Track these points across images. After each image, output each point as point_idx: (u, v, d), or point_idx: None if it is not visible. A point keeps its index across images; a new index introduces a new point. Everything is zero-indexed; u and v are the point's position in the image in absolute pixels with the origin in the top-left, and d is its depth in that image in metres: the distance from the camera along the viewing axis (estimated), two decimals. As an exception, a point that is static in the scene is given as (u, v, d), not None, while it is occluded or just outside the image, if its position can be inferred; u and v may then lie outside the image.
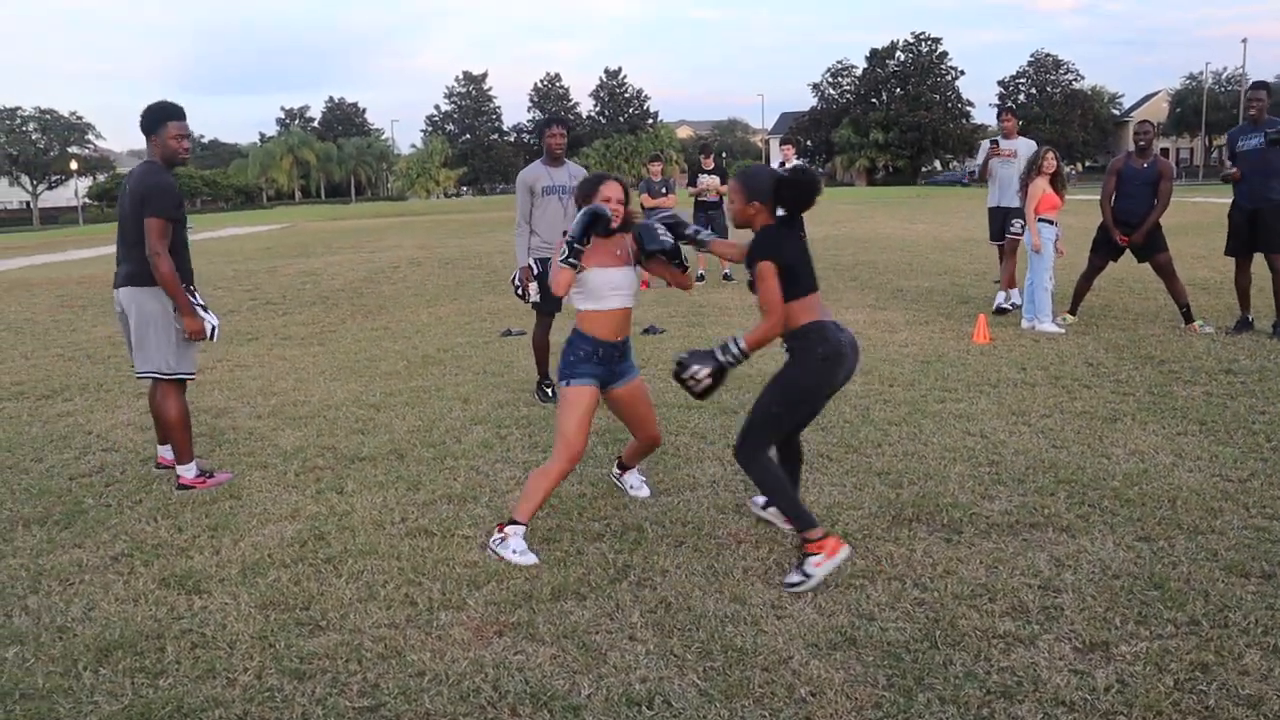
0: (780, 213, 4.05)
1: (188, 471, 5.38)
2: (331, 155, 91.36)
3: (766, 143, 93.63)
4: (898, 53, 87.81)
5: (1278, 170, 8.36)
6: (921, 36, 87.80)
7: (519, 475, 5.37)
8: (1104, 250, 9.42)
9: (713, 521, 4.62)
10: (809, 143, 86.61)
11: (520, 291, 6.96)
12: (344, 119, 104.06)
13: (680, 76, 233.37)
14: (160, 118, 5.12)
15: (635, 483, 5.05)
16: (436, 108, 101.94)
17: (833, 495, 4.91)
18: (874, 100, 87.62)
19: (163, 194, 5.05)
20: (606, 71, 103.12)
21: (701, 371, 3.99)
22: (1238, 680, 3.15)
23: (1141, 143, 9.18)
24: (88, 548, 4.56)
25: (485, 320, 11.13)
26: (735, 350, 3.97)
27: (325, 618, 3.76)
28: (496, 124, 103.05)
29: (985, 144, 11.13)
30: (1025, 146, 10.48)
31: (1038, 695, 3.10)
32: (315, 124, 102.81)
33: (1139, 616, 3.58)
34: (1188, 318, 9.07)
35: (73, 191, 79.34)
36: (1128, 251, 9.30)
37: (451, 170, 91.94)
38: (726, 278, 14.09)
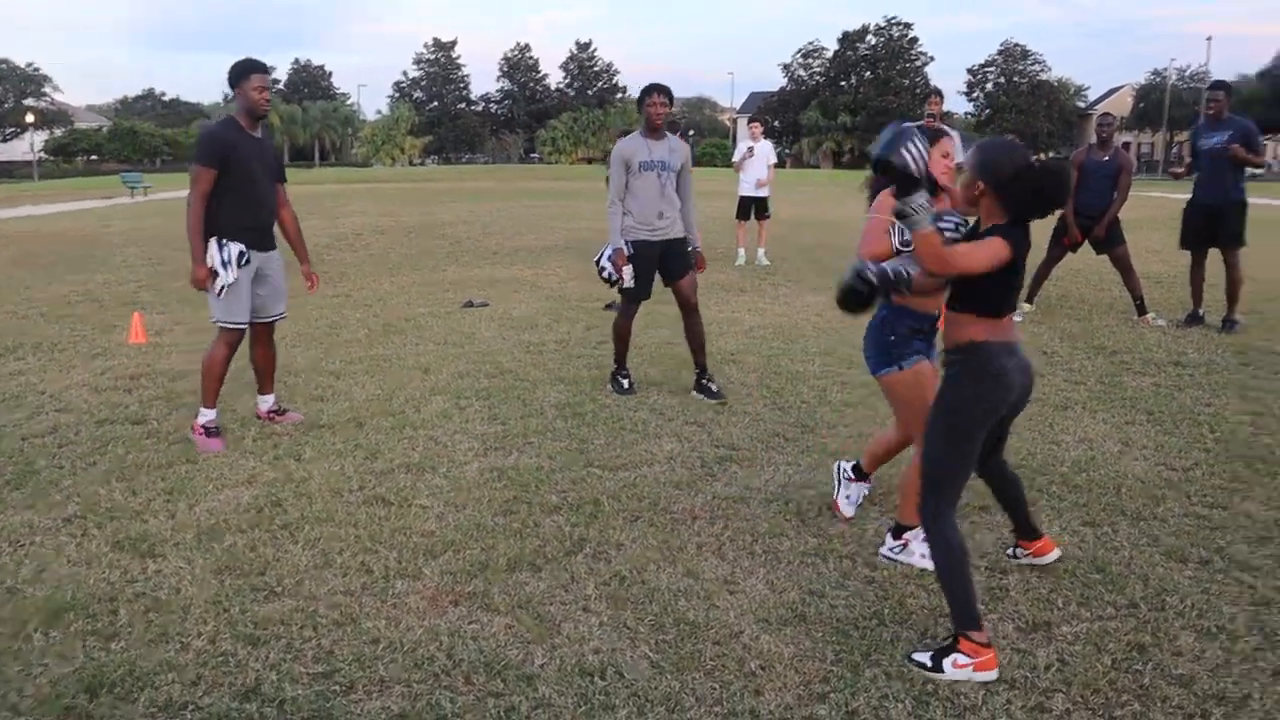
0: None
1: (200, 417, 5.49)
2: (296, 118, 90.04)
3: (734, 121, 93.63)
4: (869, 36, 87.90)
5: (1237, 169, 8.54)
6: (893, 21, 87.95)
7: (477, 446, 5.39)
8: (1063, 241, 9.55)
9: (668, 497, 4.66)
10: (777, 123, 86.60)
11: (612, 276, 6.35)
12: (310, 82, 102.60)
13: (651, 52, 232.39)
14: (245, 70, 5.37)
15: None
16: (404, 74, 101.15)
17: (788, 475, 4.98)
18: (843, 83, 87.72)
19: (201, 141, 5.37)
20: (577, 44, 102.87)
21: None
22: (1172, 660, 3.25)
23: (1103, 135, 9.31)
24: (39, 509, 4.52)
25: (447, 291, 11.09)
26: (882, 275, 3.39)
27: (281, 584, 3.77)
28: (464, 93, 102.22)
29: (908, 125, 10.17)
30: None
31: (980, 673, 3.18)
32: (280, 86, 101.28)
33: (1081, 598, 3.68)
34: (1141, 310, 9.23)
35: (28, 145, 77.65)
36: (1086, 243, 9.44)
37: (417, 138, 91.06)
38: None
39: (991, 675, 3.14)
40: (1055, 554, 3.89)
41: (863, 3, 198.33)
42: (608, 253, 6.35)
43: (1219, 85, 8.95)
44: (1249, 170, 8.70)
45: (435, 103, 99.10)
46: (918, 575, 3.85)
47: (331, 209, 25.07)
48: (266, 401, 5.91)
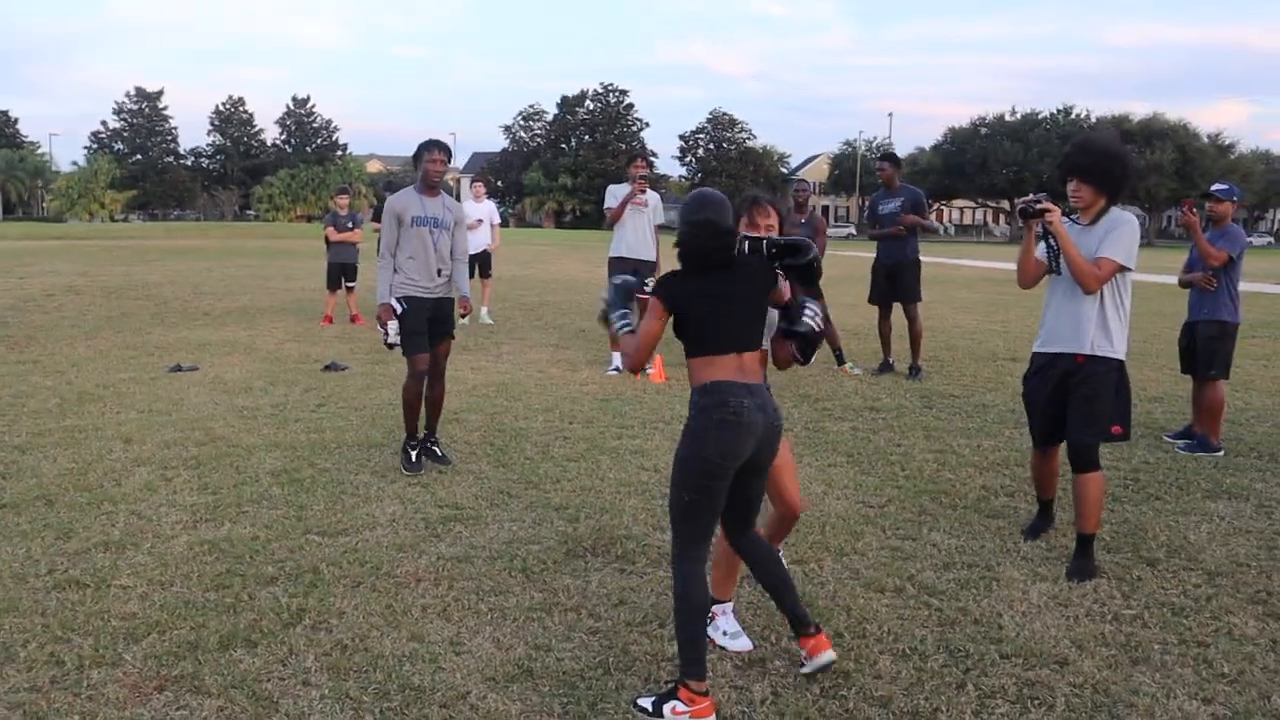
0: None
1: None
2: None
3: (458, 181, 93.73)
4: (587, 101, 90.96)
5: (913, 232, 9.52)
6: (610, 88, 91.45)
7: (185, 518, 5.07)
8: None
9: (392, 561, 4.56)
10: (499, 183, 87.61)
11: (385, 337, 6.14)
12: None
13: (372, 110, 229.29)
14: None
15: (731, 628, 3.92)
16: (104, 124, 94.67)
17: (513, 531, 5.00)
18: (563, 145, 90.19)
19: None
20: (294, 99, 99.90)
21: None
22: (873, 684, 3.50)
23: (799, 200, 10.08)
24: None
25: (152, 355, 10.40)
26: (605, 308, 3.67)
27: (-48, 684, 3.39)
28: (173, 146, 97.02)
29: (619, 187, 9.80)
30: (654, 198, 9.83)
31: (700, 712, 3.30)
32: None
33: (791, 633, 3.88)
34: (840, 360, 9.98)
35: None
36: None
37: (119, 192, 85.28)
38: None
39: None
40: (827, 656, 3.50)
41: (583, 70, 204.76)
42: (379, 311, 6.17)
43: (885, 157, 10.10)
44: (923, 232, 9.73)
45: (139, 155, 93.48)
46: (641, 623, 3.96)
47: (16, 267, 22.97)
48: None
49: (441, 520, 5.13)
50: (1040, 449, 5.00)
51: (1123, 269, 4.53)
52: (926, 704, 3.37)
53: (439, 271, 6.15)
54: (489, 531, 4.97)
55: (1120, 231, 4.53)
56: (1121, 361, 4.64)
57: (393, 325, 6.06)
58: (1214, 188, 7.00)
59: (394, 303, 6.08)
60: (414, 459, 6.06)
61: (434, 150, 6.06)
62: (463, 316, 6.48)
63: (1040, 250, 4.75)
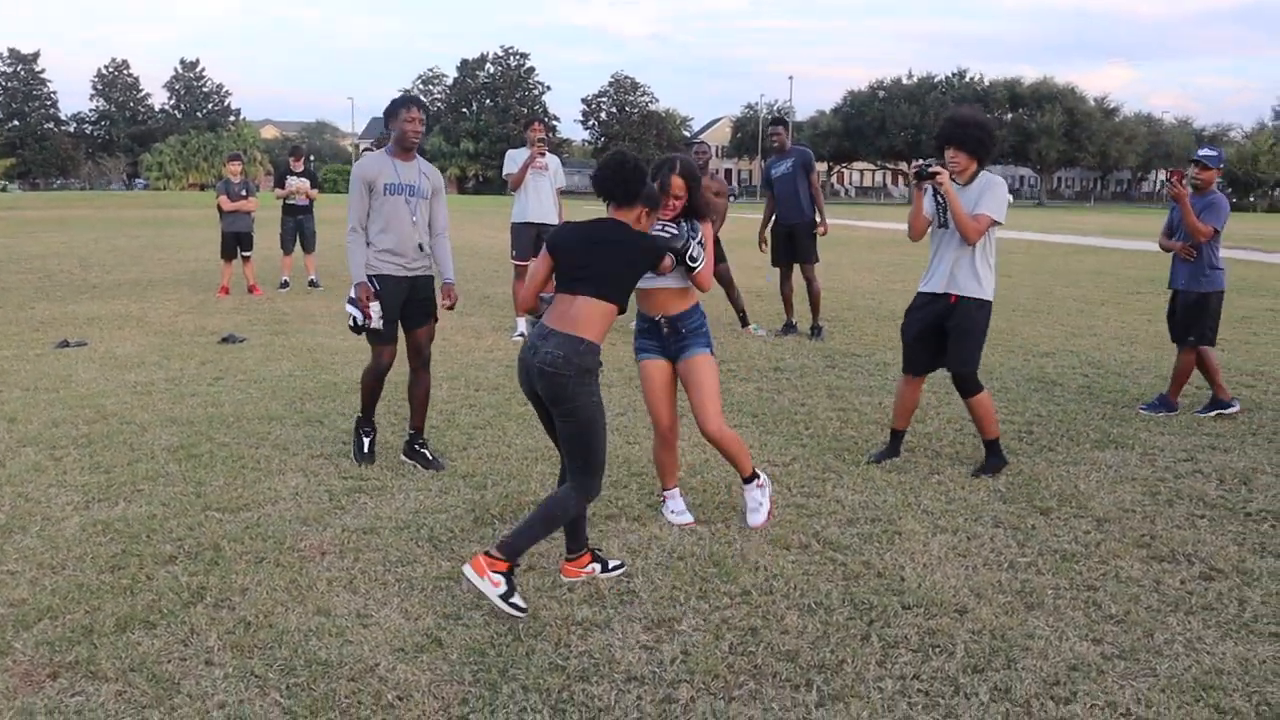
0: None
1: None
2: None
3: (357, 146, 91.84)
4: (488, 65, 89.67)
5: (804, 193, 9.62)
6: (510, 50, 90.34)
7: (77, 499, 4.90)
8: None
9: (295, 535, 4.48)
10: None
11: (359, 319, 5.33)
12: None
13: (267, 75, 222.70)
14: None
15: (677, 508, 4.82)
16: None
17: (419, 500, 4.95)
18: (464, 110, 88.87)
19: None
20: (182, 62, 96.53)
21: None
22: (780, 639, 3.56)
23: (700, 162, 10.08)
24: None
25: (37, 330, 10.00)
26: None
27: None
28: (53, 111, 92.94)
29: (517, 152, 9.83)
30: (554, 161, 9.89)
31: (612, 673, 3.32)
32: None
33: (700, 592, 3.94)
34: (744, 322, 10.08)
35: None
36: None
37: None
38: (313, 284, 13.67)
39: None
40: (571, 579, 4.06)
41: (482, 33, 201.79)
42: (352, 293, 5.39)
43: (777, 121, 10.27)
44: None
45: (16, 121, 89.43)
46: (550, 589, 3.96)
47: (-113, 243, 21.82)
48: None
49: (346, 492, 5.05)
50: (908, 375, 5.68)
51: (996, 222, 5.26)
52: (833, 656, 3.45)
53: (420, 246, 5.43)
54: (395, 501, 4.91)
55: (994, 192, 5.26)
56: (989, 301, 5.40)
57: (374, 307, 5.31)
58: (1201, 153, 6.81)
59: (369, 281, 5.35)
60: (365, 448, 5.57)
61: (411, 108, 5.33)
62: (449, 307, 5.68)
63: (929, 208, 5.42)
